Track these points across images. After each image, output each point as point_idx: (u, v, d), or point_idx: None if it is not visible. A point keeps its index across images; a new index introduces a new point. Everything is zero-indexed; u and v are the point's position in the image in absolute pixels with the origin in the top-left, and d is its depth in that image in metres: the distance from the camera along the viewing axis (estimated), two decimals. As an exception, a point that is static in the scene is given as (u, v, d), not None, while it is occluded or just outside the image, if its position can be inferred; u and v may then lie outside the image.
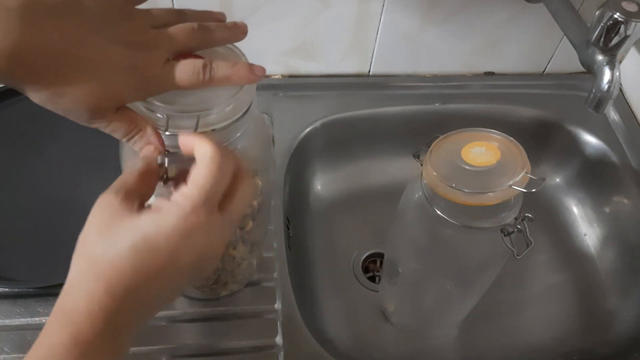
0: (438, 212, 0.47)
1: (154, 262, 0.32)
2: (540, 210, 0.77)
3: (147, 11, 0.38)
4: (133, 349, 0.52)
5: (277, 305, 0.56)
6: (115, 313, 0.31)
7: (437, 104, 0.76)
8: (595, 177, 0.75)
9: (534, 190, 0.44)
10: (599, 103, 0.54)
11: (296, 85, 0.76)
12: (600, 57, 0.53)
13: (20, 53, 0.30)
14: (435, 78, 0.79)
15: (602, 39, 0.52)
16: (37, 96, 0.33)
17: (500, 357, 0.66)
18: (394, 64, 0.77)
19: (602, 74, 0.53)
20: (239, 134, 0.40)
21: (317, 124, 0.73)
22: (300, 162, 0.72)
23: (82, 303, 0.31)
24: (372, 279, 0.71)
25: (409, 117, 0.76)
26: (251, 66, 0.38)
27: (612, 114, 0.76)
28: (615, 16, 0.50)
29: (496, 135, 0.48)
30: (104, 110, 0.35)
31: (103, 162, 0.62)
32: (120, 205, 0.33)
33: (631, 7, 0.50)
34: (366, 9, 0.69)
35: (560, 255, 0.74)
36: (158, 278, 0.32)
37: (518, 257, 0.47)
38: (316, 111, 0.73)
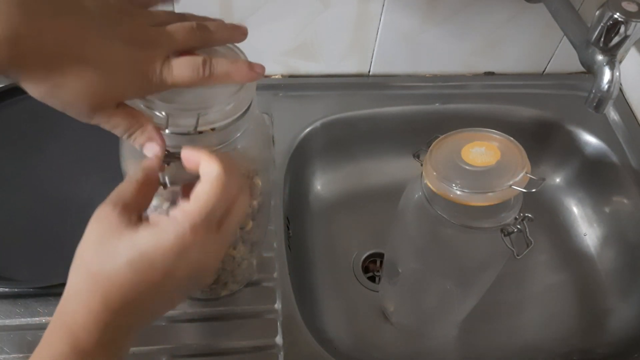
0: (438, 212, 0.47)
1: (151, 277, 0.32)
2: (540, 210, 0.77)
3: (148, 11, 0.38)
4: (133, 349, 0.52)
5: (277, 305, 0.56)
6: (113, 324, 0.32)
7: (437, 104, 0.76)
8: (595, 177, 0.75)
9: (534, 190, 0.44)
10: (599, 103, 0.54)
11: (296, 85, 0.76)
12: (600, 57, 0.53)
13: (22, 41, 0.30)
14: (435, 78, 0.79)
15: (602, 39, 0.52)
16: (36, 90, 0.33)
17: (500, 357, 0.66)
18: (394, 64, 0.77)
19: (602, 74, 0.53)
20: (239, 134, 0.40)
21: (317, 124, 0.73)
22: (300, 162, 0.72)
23: (81, 315, 0.32)
24: (372, 279, 0.71)
25: (409, 117, 0.76)
26: (251, 64, 0.38)
27: (612, 114, 0.76)
28: (615, 16, 0.50)
29: (496, 135, 0.48)
30: (104, 106, 0.35)
31: (103, 162, 0.62)
32: (118, 218, 0.33)
33: (631, 7, 0.50)
34: (366, 9, 0.69)
35: (560, 255, 0.74)
36: (153, 292, 0.33)
37: (518, 257, 0.47)
38: (316, 111, 0.73)
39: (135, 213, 0.34)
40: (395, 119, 0.76)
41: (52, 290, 0.55)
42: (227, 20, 0.40)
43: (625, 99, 0.78)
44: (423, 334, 0.67)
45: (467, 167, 0.45)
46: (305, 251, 0.71)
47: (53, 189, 0.63)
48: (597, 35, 0.52)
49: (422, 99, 0.77)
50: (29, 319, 0.53)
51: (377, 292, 0.69)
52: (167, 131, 0.37)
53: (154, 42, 0.35)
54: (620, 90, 0.79)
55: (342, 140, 0.76)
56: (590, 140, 0.75)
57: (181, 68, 0.35)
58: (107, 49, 0.33)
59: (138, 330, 0.34)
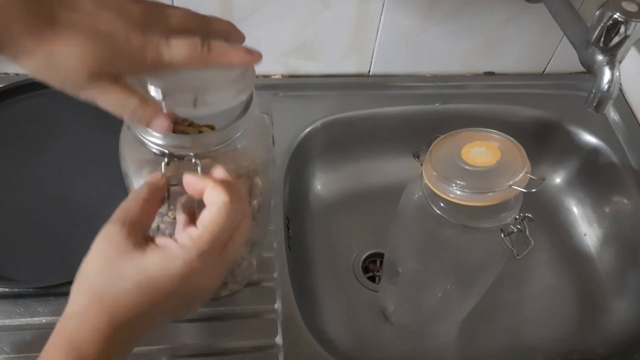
0: (438, 212, 0.47)
1: (155, 299, 0.34)
2: (540, 210, 0.77)
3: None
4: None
5: (277, 305, 0.56)
6: (115, 340, 0.33)
7: (437, 104, 0.76)
8: (595, 177, 0.75)
9: (534, 190, 0.44)
10: (599, 103, 0.54)
11: (296, 85, 0.76)
12: (600, 57, 0.53)
13: (8, 9, 0.31)
14: (435, 78, 0.79)
15: (602, 39, 0.52)
16: (31, 62, 0.33)
17: (500, 357, 0.66)
18: (394, 64, 0.77)
19: (602, 74, 0.53)
20: (239, 134, 0.40)
21: (317, 124, 0.73)
22: (300, 162, 0.72)
23: (86, 332, 0.33)
24: (372, 279, 0.71)
25: (409, 117, 0.76)
26: (249, 49, 0.38)
27: (612, 114, 0.76)
28: (615, 16, 0.50)
29: (496, 135, 0.48)
30: (98, 76, 0.34)
31: (103, 162, 0.62)
32: (126, 239, 0.34)
33: (631, 7, 0.50)
34: (366, 9, 0.69)
35: (560, 255, 0.74)
36: (155, 311, 0.34)
37: (518, 257, 0.47)
38: (316, 111, 0.73)
39: (141, 232, 0.35)
40: (395, 119, 0.76)
41: (52, 290, 0.55)
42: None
43: (625, 99, 0.78)
44: (423, 334, 0.67)
45: (467, 167, 0.45)
46: (305, 251, 0.71)
47: (53, 189, 0.63)
48: (597, 35, 0.52)
49: (422, 99, 0.77)
50: (29, 319, 0.53)
51: (377, 292, 0.69)
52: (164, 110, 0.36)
53: (150, 18, 0.35)
54: (620, 90, 0.79)
55: (342, 140, 0.76)
56: (590, 140, 0.75)
57: (179, 45, 0.35)
58: (99, 18, 0.33)
59: (137, 343, 0.35)
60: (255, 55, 0.37)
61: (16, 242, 0.59)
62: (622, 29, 0.50)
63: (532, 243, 0.47)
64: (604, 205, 0.74)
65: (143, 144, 0.38)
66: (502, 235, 0.46)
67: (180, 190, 0.39)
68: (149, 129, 0.37)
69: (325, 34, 0.72)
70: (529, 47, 0.77)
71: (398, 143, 0.77)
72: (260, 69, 0.77)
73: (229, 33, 0.39)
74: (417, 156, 0.49)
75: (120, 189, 0.45)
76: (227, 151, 0.40)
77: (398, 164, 0.76)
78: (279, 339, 0.54)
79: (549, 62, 0.80)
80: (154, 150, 0.38)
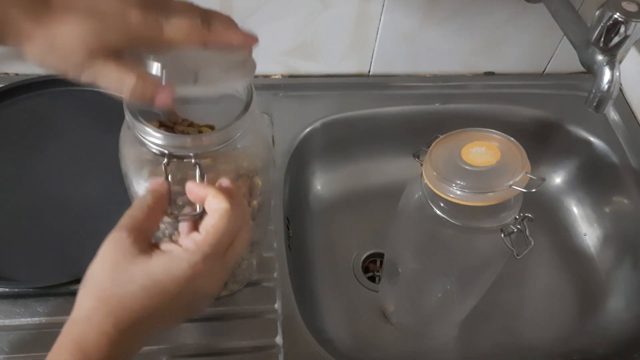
0: (438, 212, 0.47)
1: (161, 302, 0.34)
2: (540, 210, 0.77)
3: None
4: (133, 349, 0.52)
5: (277, 305, 0.56)
6: (121, 342, 0.34)
7: (437, 104, 0.76)
8: (595, 177, 0.75)
9: (534, 190, 0.44)
10: (599, 103, 0.54)
11: (296, 85, 0.76)
12: (600, 57, 0.53)
13: None
14: (435, 78, 0.79)
15: (602, 39, 0.52)
16: (33, 46, 0.34)
17: (500, 357, 0.66)
18: (394, 64, 0.77)
19: (602, 74, 0.53)
20: (239, 134, 0.40)
21: (317, 124, 0.73)
22: (300, 162, 0.72)
23: (92, 335, 0.33)
24: (372, 279, 0.71)
25: (409, 117, 0.76)
26: (247, 32, 0.39)
27: (612, 114, 0.76)
28: (615, 16, 0.50)
29: (496, 135, 0.48)
30: (97, 53, 0.34)
31: (103, 162, 0.62)
32: (133, 245, 0.35)
33: (631, 7, 0.50)
34: (366, 9, 0.69)
35: (560, 255, 0.74)
36: (162, 314, 0.35)
37: (518, 257, 0.47)
38: (316, 111, 0.73)
39: (146, 239, 0.36)
40: (395, 119, 0.76)
41: (52, 290, 0.55)
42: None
43: (625, 99, 0.78)
44: (423, 334, 0.67)
45: (467, 167, 0.45)
46: (305, 251, 0.71)
47: (53, 189, 0.63)
48: (597, 35, 0.52)
49: (422, 99, 0.77)
50: (29, 319, 0.53)
51: (377, 292, 0.69)
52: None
53: (151, 1, 0.36)
54: (620, 90, 0.79)
55: (342, 140, 0.76)
56: (590, 140, 0.75)
57: (179, 22, 0.35)
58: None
59: (143, 344, 0.36)
60: (253, 39, 0.39)
61: (16, 242, 0.59)
62: (622, 29, 0.50)
63: (532, 243, 0.47)
64: (604, 205, 0.74)
65: (143, 144, 0.39)
66: (502, 235, 0.46)
67: (181, 190, 0.39)
68: (148, 130, 0.37)
69: (325, 34, 0.72)
70: (529, 47, 0.77)
71: (398, 143, 0.77)
72: (260, 69, 0.77)
73: (229, 25, 0.39)
74: (417, 156, 0.49)
75: (120, 189, 0.45)
76: (227, 151, 0.40)
77: (398, 164, 0.76)
78: (279, 339, 0.54)
79: (549, 62, 0.80)
80: (154, 151, 0.38)
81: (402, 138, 0.76)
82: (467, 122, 0.51)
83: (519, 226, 0.46)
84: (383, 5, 0.69)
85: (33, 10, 0.33)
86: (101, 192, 0.63)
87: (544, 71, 0.81)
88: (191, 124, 0.45)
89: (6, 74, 0.73)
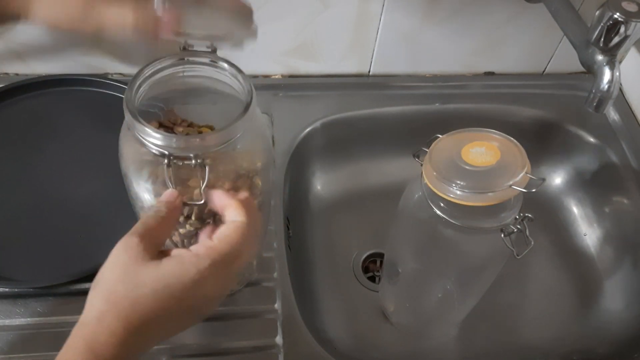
0: (438, 212, 0.47)
1: (169, 305, 0.35)
2: (540, 210, 0.77)
3: None
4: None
5: (277, 305, 0.56)
6: (130, 344, 0.34)
7: (437, 104, 0.76)
8: (595, 177, 0.75)
9: (534, 190, 0.44)
10: (599, 103, 0.54)
11: (296, 85, 0.76)
12: (600, 57, 0.53)
13: None
14: (435, 78, 0.79)
15: (602, 39, 0.52)
16: (38, 7, 0.36)
17: (500, 357, 0.66)
18: (394, 64, 0.77)
19: (602, 74, 0.53)
20: (239, 134, 0.40)
21: (317, 124, 0.73)
22: (300, 162, 0.72)
23: (103, 336, 0.34)
24: (372, 279, 0.71)
25: (409, 117, 0.76)
26: None
27: (612, 114, 0.76)
28: (615, 16, 0.50)
29: (496, 135, 0.48)
30: None
31: (103, 162, 0.62)
32: (143, 251, 0.36)
33: (631, 7, 0.50)
34: (366, 9, 0.69)
35: (560, 255, 0.74)
36: (169, 317, 0.36)
37: (518, 257, 0.47)
38: (316, 111, 0.73)
39: (157, 247, 0.37)
40: (395, 119, 0.76)
41: (52, 290, 0.55)
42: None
43: (625, 99, 0.78)
44: (423, 334, 0.67)
45: (467, 167, 0.45)
46: (305, 251, 0.71)
47: (53, 189, 0.63)
48: (597, 35, 0.52)
49: (422, 99, 0.77)
50: (29, 319, 0.53)
51: (377, 292, 0.69)
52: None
53: None
54: (620, 90, 0.79)
55: (342, 140, 0.76)
56: (590, 140, 0.75)
57: None
58: None
59: (151, 347, 0.37)
60: None
61: (16, 242, 0.59)
62: (622, 29, 0.50)
63: (532, 243, 0.47)
64: (604, 205, 0.74)
65: (143, 145, 0.38)
66: (502, 235, 0.46)
67: (182, 190, 0.39)
68: (148, 130, 0.37)
69: (325, 34, 0.72)
70: (529, 47, 0.77)
71: (398, 143, 0.77)
72: (260, 69, 0.77)
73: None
74: (417, 156, 0.49)
75: (120, 189, 0.45)
76: (227, 151, 0.40)
77: (398, 164, 0.76)
78: (279, 339, 0.54)
79: (549, 62, 0.80)
80: (154, 151, 0.38)
81: (402, 138, 0.76)
82: (467, 122, 0.51)
83: (519, 226, 0.46)
84: (383, 5, 0.69)
85: None
86: (101, 192, 0.63)
87: (544, 71, 0.81)
88: (191, 124, 0.45)
89: (6, 74, 0.73)
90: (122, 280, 0.35)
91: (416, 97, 0.77)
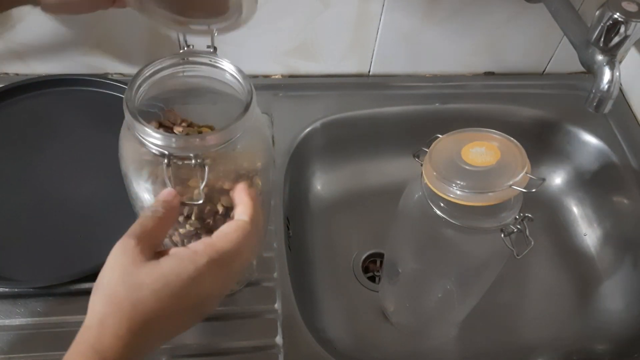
0: (438, 212, 0.47)
1: (170, 304, 0.35)
2: (540, 210, 0.77)
3: None
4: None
5: (277, 305, 0.56)
6: (135, 344, 0.35)
7: (437, 104, 0.76)
8: (595, 177, 0.75)
9: (534, 190, 0.44)
10: (599, 103, 0.54)
11: (296, 85, 0.76)
12: (600, 57, 0.53)
13: None
14: (435, 78, 0.79)
15: (602, 39, 0.52)
16: None
17: (500, 357, 0.66)
18: (394, 64, 0.77)
19: (602, 74, 0.53)
20: (239, 134, 0.40)
21: (317, 124, 0.73)
22: (300, 162, 0.72)
23: (107, 338, 0.34)
24: (372, 279, 0.71)
25: (409, 117, 0.76)
26: None
27: (612, 114, 0.76)
28: (615, 16, 0.50)
29: (496, 135, 0.48)
30: None
31: (103, 162, 0.62)
32: (140, 253, 0.36)
33: (631, 7, 0.50)
34: (366, 9, 0.69)
35: (560, 255, 0.74)
36: (171, 316, 0.36)
37: (518, 257, 0.47)
38: (316, 111, 0.73)
39: (154, 248, 0.37)
40: (395, 119, 0.76)
41: (52, 290, 0.55)
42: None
43: (625, 99, 0.78)
44: (423, 334, 0.67)
45: (467, 167, 0.45)
46: (305, 251, 0.71)
47: (53, 189, 0.63)
48: (597, 35, 0.52)
49: (422, 99, 0.77)
50: (29, 319, 0.53)
51: (377, 292, 0.69)
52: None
53: None
54: (620, 90, 0.79)
55: (342, 141, 0.76)
56: (590, 140, 0.75)
57: None
58: None
59: (156, 345, 0.37)
60: None
61: (16, 242, 0.59)
62: (622, 29, 0.50)
63: (532, 243, 0.47)
64: (604, 205, 0.74)
65: (143, 145, 0.38)
66: (502, 235, 0.46)
67: (182, 190, 0.39)
68: (148, 130, 0.37)
69: (325, 34, 0.72)
70: (529, 47, 0.77)
71: (398, 143, 0.77)
72: (260, 68, 0.77)
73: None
74: (417, 156, 0.49)
75: (120, 189, 0.45)
76: (227, 151, 0.40)
77: (398, 164, 0.76)
78: (279, 339, 0.54)
79: (549, 62, 0.80)
80: (154, 151, 0.38)
81: (402, 138, 0.76)
82: (467, 122, 0.51)
83: (519, 226, 0.46)
84: (383, 5, 0.69)
85: None
86: (101, 192, 0.63)
87: (544, 71, 0.81)
88: (190, 124, 0.45)
89: (6, 74, 0.73)
90: (122, 282, 0.35)
91: (416, 97, 0.77)
